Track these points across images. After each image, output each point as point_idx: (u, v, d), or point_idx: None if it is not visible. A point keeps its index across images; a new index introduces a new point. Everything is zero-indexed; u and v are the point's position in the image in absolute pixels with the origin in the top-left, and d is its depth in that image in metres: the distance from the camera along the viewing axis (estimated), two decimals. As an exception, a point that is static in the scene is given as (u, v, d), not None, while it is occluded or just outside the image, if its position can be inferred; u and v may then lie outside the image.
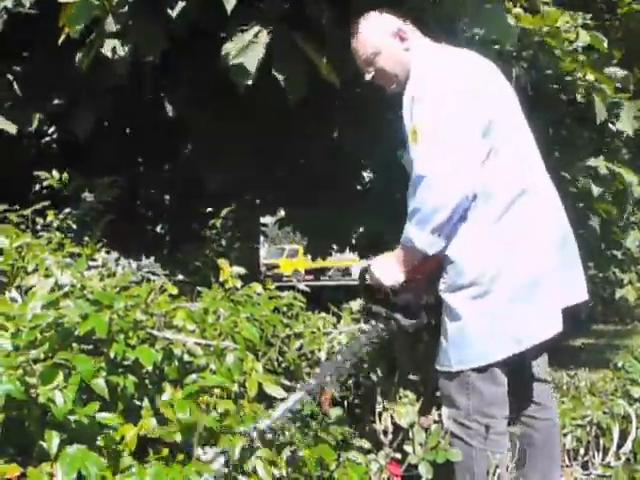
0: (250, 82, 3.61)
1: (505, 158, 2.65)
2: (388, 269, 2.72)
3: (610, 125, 4.42)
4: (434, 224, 2.54)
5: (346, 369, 2.81)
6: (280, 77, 3.71)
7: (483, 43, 3.59)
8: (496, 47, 3.84)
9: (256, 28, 3.59)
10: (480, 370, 2.63)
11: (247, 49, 3.54)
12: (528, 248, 2.64)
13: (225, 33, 3.65)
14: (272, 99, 4.17)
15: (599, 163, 4.52)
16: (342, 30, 3.90)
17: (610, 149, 4.69)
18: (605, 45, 4.00)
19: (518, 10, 3.76)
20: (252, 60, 3.54)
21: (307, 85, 3.90)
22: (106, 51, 3.63)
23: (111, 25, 3.54)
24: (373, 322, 2.86)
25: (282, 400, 2.52)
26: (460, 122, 2.56)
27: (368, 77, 2.89)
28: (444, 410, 2.72)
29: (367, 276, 2.81)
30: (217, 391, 2.38)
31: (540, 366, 2.92)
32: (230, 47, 3.57)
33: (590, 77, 4.09)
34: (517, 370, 2.77)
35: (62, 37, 3.65)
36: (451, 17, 3.50)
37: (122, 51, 3.60)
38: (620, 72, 4.41)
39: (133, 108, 5.49)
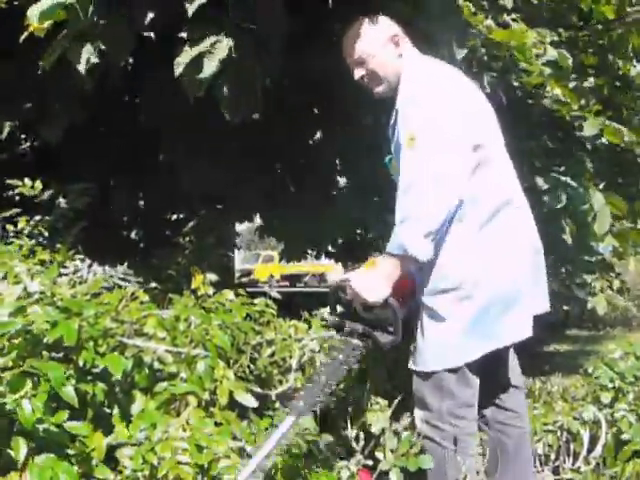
0: (200, 94, 3.59)
1: (493, 169, 2.69)
2: (372, 284, 2.57)
3: (577, 136, 4.47)
4: (429, 228, 2.49)
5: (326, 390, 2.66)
6: (220, 96, 3.70)
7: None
8: (467, 54, 3.88)
9: (213, 38, 3.56)
10: (454, 371, 2.64)
11: (201, 60, 3.52)
12: (510, 256, 2.67)
13: (185, 35, 3.63)
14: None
15: (566, 177, 4.58)
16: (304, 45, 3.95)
17: (576, 161, 4.74)
18: (570, 62, 4.03)
19: (490, 22, 3.78)
20: (205, 72, 3.51)
21: (254, 105, 3.87)
22: (75, 60, 3.59)
23: (77, 27, 3.50)
24: (348, 339, 2.70)
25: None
26: (454, 130, 2.56)
27: (357, 76, 2.87)
28: (416, 412, 2.72)
29: (347, 292, 2.64)
30: (191, 398, 2.38)
31: (514, 373, 2.94)
32: (184, 57, 3.55)
33: (557, 91, 4.13)
34: (493, 374, 2.81)
35: (24, 34, 3.59)
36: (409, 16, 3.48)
37: (94, 58, 3.56)
38: (588, 83, 4.49)
39: (106, 114, 5.48)
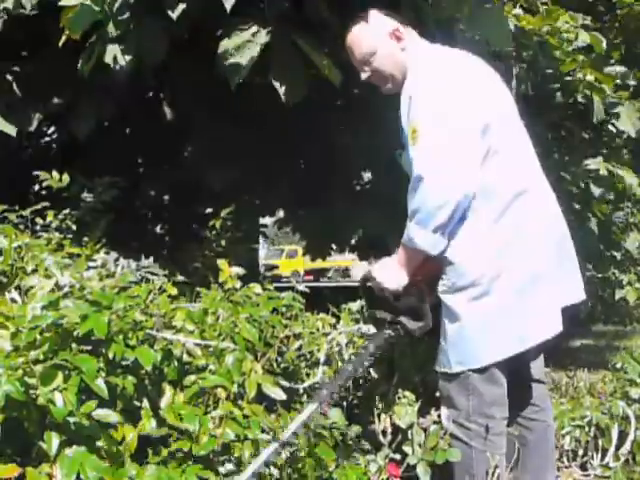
0: (241, 80, 3.58)
1: (504, 158, 2.64)
2: (391, 273, 2.69)
3: (610, 125, 4.39)
4: (436, 223, 2.52)
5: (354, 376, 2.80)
6: (276, 82, 3.68)
7: (480, 44, 3.58)
8: (495, 49, 3.84)
9: (254, 28, 3.54)
10: (480, 371, 2.62)
11: (244, 48, 3.51)
12: (527, 247, 2.63)
13: (223, 31, 3.63)
14: (271, 100, 4.17)
15: (598, 164, 4.51)
16: (341, 29, 3.92)
17: (610, 149, 4.68)
18: (604, 45, 3.96)
19: (518, 11, 3.73)
20: (246, 57, 3.50)
21: (305, 87, 3.86)
22: (108, 60, 3.61)
23: (112, 30, 3.53)
24: (380, 328, 2.81)
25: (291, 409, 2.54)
26: (458, 121, 2.54)
27: (364, 77, 2.86)
28: (443, 411, 2.71)
29: (369, 282, 2.76)
30: (219, 391, 2.38)
31: (537, 367, 2.91)
32: (227, 45, 3.54)
33: (590, 77, 4.07)
34: (516, 371, 2.76)
35: (63, 39, 3.63)
36: (448, 19, 3.48)
37: (123, 60, 3.58)
38: (619, 68, 4.40)
39: (134, 107, 5.50)
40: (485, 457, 2.58)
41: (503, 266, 2.59)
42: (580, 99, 4.16)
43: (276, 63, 3.65)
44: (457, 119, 2.54)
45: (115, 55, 3.62)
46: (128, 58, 3.60)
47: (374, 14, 2.86)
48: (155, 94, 5.41)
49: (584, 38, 3.90)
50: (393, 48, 2.79)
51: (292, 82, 3.74)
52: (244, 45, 3.52)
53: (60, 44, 3.65)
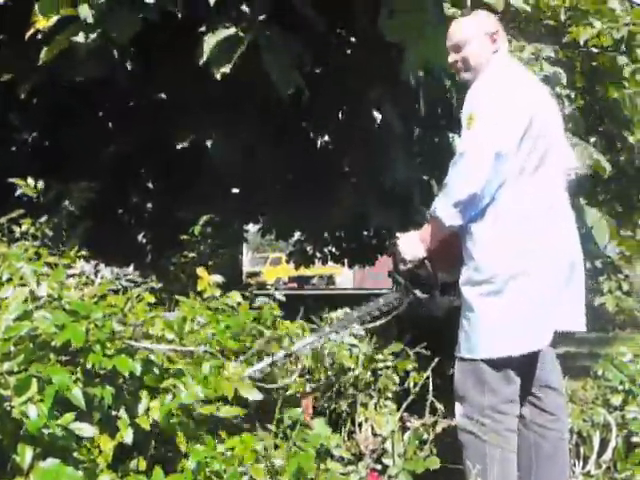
0: (227, 70, 3.58)
1: (541, 171, 2.81)
2: (411, 243, 2.93)
3: None
4: (459, 197, 2.71)
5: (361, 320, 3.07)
6: (271, 70, 3.73)
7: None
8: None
9: (232, 29, 3.58)
10: (495, 369, 2.74)
11: (227, 42, 3.54)
12: (544, 259, 2.75)
13: (205, 28, 3.64)
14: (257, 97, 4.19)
15: None
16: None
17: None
18: (564, 82, 4.00)
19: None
20: (230, 52, 3.53)
21: (295, 80, 3.91)
22: (79, 39, 3.52)
23: (88, 16, 3.45)
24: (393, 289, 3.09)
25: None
26: (508, 121, 2.74)
27: (451, 60, 3.05)
28: (457, 407, 2.82)
29: (394, 249, 2.99)
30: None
31: (553, 375, 2.98)
32: (211, 38, 3.55)
33: None
34: (530, 376, 2.88)
35: (31, 31, 3.55)
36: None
37: (93, 35, 3.48)
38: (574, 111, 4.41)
39: (113, 112, 5.46)
40: (497, 452, 2.67)
41: (519, 270, 2.73)
42: None
43: (265, 54, 3.71)
44: (509, 118, 2.74)
45: (87, 35, 3.54)
46: (96, 35, 3.52)
47: (484, 13, 3.17)
48: (136, 98, 5.37)
49: (548, 69, 3.92)
50: (486, 47, 3.00)
51: (283, 73, 3.79)
52: (228, 39, 3.54)
53: (27, 37, 3.57)
